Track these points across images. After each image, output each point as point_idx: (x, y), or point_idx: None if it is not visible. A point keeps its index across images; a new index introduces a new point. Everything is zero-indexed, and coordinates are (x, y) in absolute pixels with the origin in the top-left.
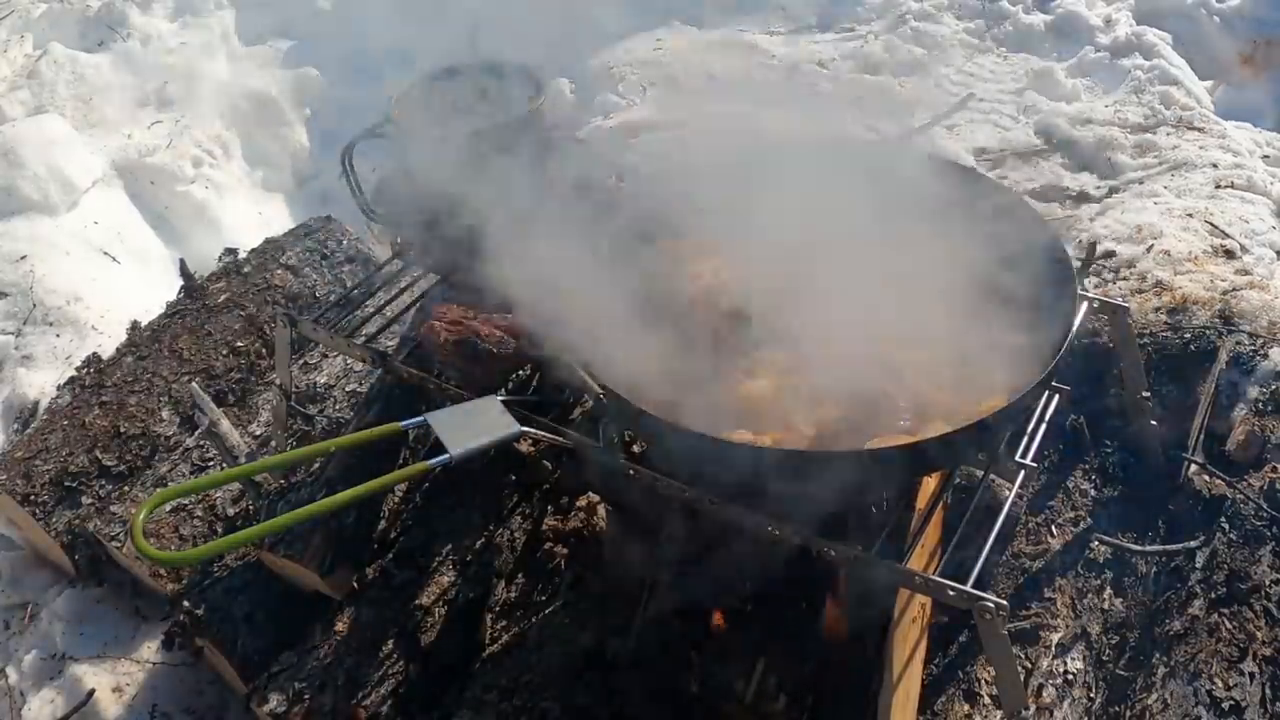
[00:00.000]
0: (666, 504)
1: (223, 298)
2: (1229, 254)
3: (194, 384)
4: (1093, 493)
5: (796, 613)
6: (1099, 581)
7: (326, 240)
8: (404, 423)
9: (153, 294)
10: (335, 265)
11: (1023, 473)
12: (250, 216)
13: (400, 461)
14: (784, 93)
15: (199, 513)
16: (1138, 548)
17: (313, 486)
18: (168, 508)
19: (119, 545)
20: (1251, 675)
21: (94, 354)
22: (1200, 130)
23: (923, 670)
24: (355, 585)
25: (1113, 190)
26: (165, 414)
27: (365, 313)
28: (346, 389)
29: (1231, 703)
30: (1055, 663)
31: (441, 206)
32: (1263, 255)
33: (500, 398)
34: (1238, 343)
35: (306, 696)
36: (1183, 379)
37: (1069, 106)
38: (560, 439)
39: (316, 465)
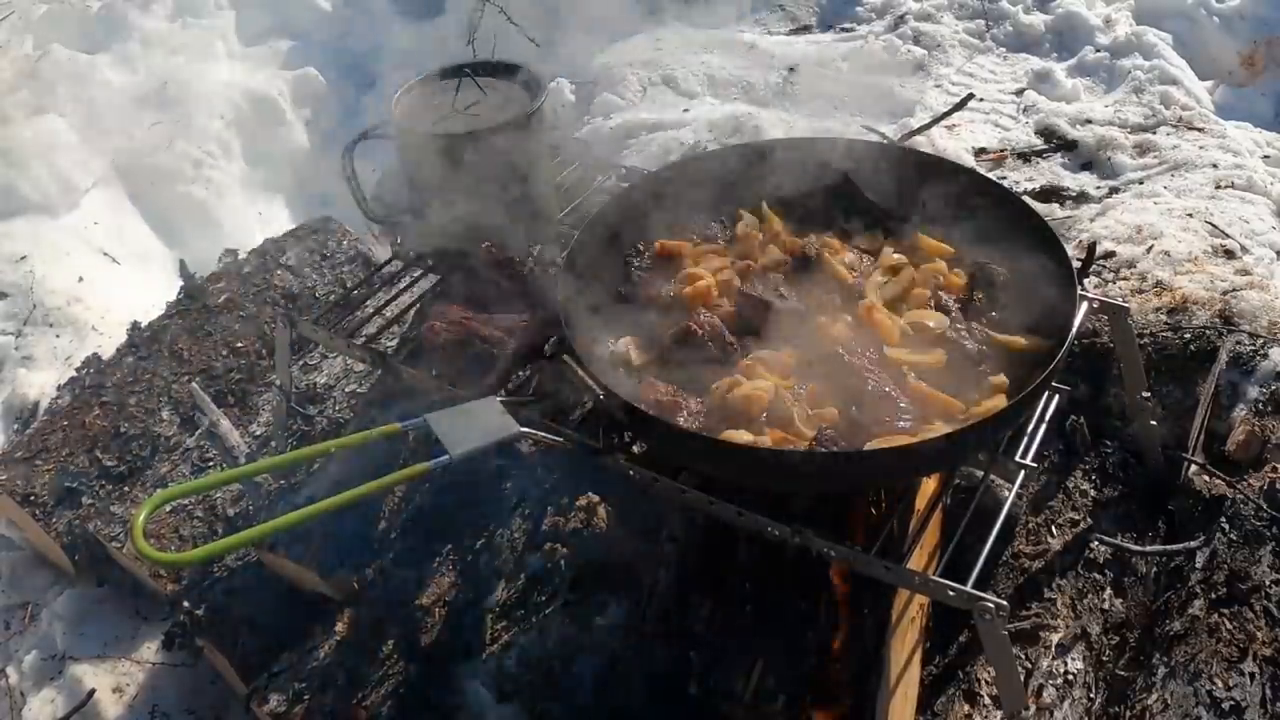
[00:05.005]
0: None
1: (223, 298)
2: (1229, 254)
3: (194, 384)
4: (1093, 493)
5: (796, 612)
6: (1099, 581)
7: (326, 240)
8: (404, 423)
9: (153, 294)
10: (335, 265)
11: (1023, 473)
12: (250, 216)
13: (400, 461)
14: (784, 93)
15: (199, 513)
16: (1138, 548)
17: (313, 486)
18: (168, 508)
19: (119, 545)
20: (1251, 675)
21: (94, 354)
22: (1200, 130)
23: (922, 670)
24: (355, 585)
25: (1113, 190)
26: (165, 414)
27: (365, 313)
28: (346, 389)
29: (1231, 703)
30: (1055, 663)
31: (440, 206)
32: (1263, 255)
33: (500, 398)
34: (1238, 343)
35: (306, 696)
36: (1183, 379)
37: (1069, 106)
38: (560, 439)
39: (316, 465)
